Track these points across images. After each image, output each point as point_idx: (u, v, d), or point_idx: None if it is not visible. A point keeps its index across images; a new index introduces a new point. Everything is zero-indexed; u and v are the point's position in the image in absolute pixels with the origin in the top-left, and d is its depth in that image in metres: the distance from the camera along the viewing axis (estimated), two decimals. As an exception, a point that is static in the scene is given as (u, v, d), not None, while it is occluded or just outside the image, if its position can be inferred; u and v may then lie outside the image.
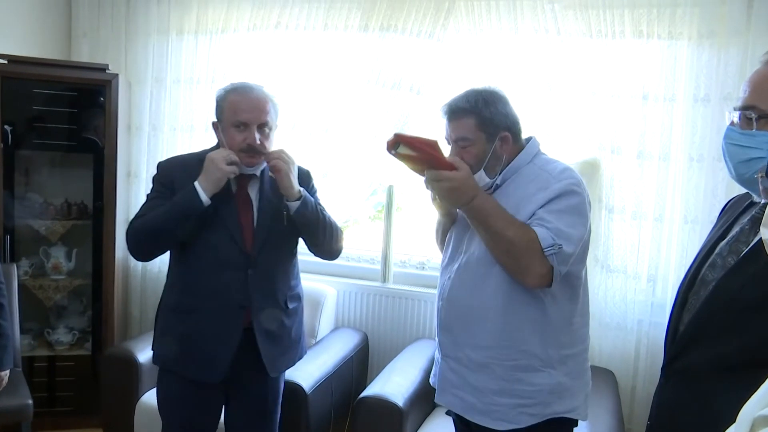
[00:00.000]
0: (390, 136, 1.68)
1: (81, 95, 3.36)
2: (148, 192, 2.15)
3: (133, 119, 3.54)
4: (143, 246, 2.09)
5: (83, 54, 3.64)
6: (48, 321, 3.45)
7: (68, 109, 3.36)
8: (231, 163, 1.99)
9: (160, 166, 2.17)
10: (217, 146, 2.11)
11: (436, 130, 3.06)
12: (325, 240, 2.16)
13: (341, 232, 2.25)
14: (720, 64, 2.66)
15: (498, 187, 1.78)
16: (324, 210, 2.18)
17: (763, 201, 1.29)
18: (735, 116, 1.28)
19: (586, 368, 1.83)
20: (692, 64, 2.72)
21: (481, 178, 1.76)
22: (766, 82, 1.25)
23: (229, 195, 2.07)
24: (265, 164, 2.10)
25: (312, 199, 2.13)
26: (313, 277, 3.38)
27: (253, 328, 2.08)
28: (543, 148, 1.86)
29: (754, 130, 1.25)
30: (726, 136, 1.29)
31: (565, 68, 2.86)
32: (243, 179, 2.11)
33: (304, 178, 2.22)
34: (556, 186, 1.69)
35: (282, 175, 2.01)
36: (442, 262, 1.93)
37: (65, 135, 3.39)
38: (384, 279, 3.38)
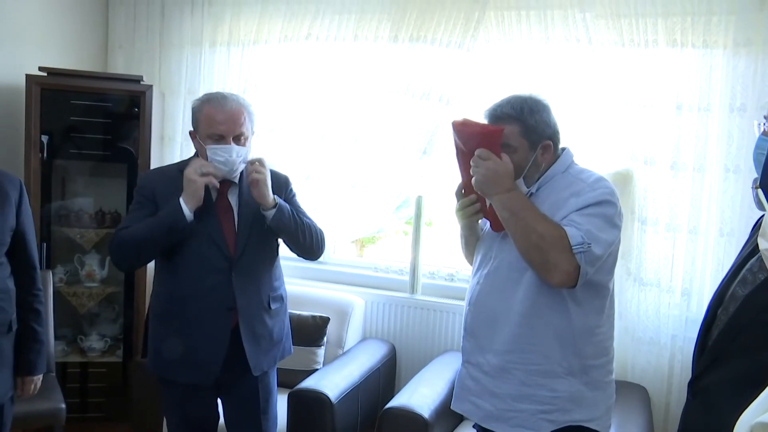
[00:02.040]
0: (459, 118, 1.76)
1: (116, 106, 3.43)
2: (132, 204, 2.22)
3: (166, 130, 3.60)
4: (127, 257, 2.17)
5: (119, 66, 3.72)
6: (81, 328, 3.51)
7: (104, 120, 3.44)
8: (205, 174, 2.04)
9: (141, 178, 2.28)
10: (196, 155, 2.19)
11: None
12: (305, 243, 2.21)
13: (322, 234, 2.29)
14: (757, 73, 2.59)
15: (532, 195, 1.78)
16: (303, 214, 2.25)
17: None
18: (766, 125, 1.25)
19: (609, 381, 1.80)
20: (728, 73, 2.66)
21: (520, 185, 1.76)
22: None
23: (209, 202, 2.11)
24: (242, 167, 2.15)
25: (287, 206, 2.17)
26: (341, 288, 3.39)
27: (238, 329, 2.12)
28: (576, 159, 1.85)
29: None
30: (757, 146, 1.25)
31: (596, 78, 2.82)
32: (223, 186, 2.16)
33: (282, 183, 2.28)
34: (590, 194, 1.69)
35: (258, 186, 2.07)
36: (473, 268, 1.93)
37: (100, 145, 3.46)
38: (412, 290, 3.36)
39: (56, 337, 3.19)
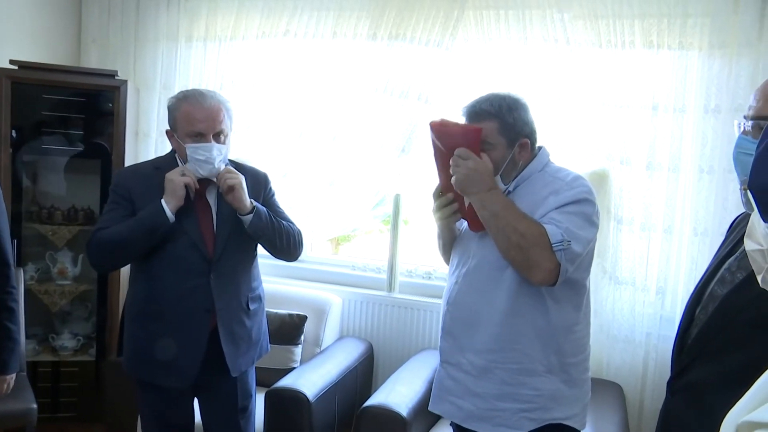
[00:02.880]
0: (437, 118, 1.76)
1: (90, 101, 3.37)
2: (108, 202, 2.17)
3: (141, 125, 3.54)
4: (107, 259, 2.14)
5: (92, 60, 3.66)
6: (53, 326, 3.44)
7: (77, 115, 3.38)
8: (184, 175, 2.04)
9: (116, 176, 2.22)
10: (172, 153, 2.16)
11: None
12: (282, 246, 2.20)
13: (300, 236, 2.28)
14: (731, 75, 2.63)
15: (509, 193, 1.78)
16: (282, 215, 2.25)
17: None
18: (747, 125, 1.26)
19: (586, 378, 1.82)
20: (703, 74, 2.69)
21: (497, 183, 1.76)
22: None
23: (188, 203, 2.08)
24: (222, 166, 2.12)
25: (264, 209, 2.15)
26: (319, 286, 3.37)
27: (217, 330, 2.10)
28: (552, 158, 1.86)
29: None
30: (737, 145, 1.27)
31: (574, 78, 2.84)
32: (201, 185, 2.13)
33: (261, 181, 2.27)
34: (569, 193, 1.70)
35: (234, 191, 2.05)
36: (450, 267, 1.93)
37: (73, 140, 3.40)
38: (390, 288, 3.35)
39: (27, 336, 3.13)
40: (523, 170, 1.79)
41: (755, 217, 0.75)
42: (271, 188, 2.31)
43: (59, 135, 3.36)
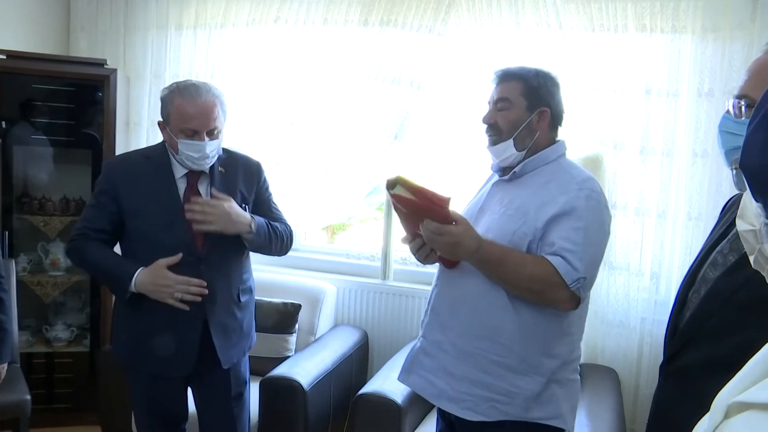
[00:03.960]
0: (392, 175, 1.63)
1: (79, 90, 3.34)
2: (94, 193, 2.14)
3: (132, 115, 3.52)
4: (83, 270, 2.25)
5: (81, 49, 3.62)
6: (46, 317, 3.43)
7: (66, 105, 3.35)
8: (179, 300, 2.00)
9: (104, 167, 2.17)
10: (164, 143, 2.12)
11: (437, 124, 3.06)
12: (276, 250, 2.22)
13: (292, 235, 2.28)
14: (724, 59, 2.62)
15: (515, 175, 1.75)
16: (274, 213, 2.24)
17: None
18: (731, 104, 1.25)
19: (576, 379, 1.76)
20: (696, 58, 2.68)
21: (509, 147, 1.73)
22: (764, 69, 1.22)
23: (176, 197, 2.06)
24: (214, 160, 2.09)
25: (262, 222, 2.13)
26: (313, 275, 3.36)
27: (207, 322, 2.08)
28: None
29: (744, 118, 1.21)
30: (720, 124, 1.26)
31: (566, 63, 2.82)
32: (193, 177, 2.10)
33: (254, 170, 2.24)
34: (580, 195, 1.64)
35: (227, 226, 2.01)
36: None
37: (64, 130, 3.37)
38: (384, 276, 3.35)
39: (20, 328, 3.11)
40: (536, 153, 1.74)
41: (747, 196, 0.74)
42: (265, 179, 2.27)
43: (49, 125, 3.33)
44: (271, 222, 2.19)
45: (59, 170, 3.43)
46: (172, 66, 3.45)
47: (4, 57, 3.07)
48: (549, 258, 1.59)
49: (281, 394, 2.56)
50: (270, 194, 2.29)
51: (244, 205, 2.14)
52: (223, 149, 2.18)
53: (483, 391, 1.67)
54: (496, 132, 1.74)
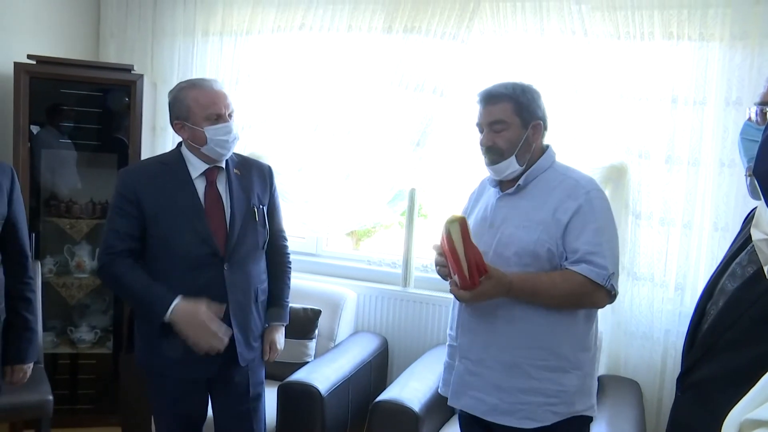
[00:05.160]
0: (458, 214, 1.71)
1: (107, 95, 3.39)
2: (113, 206, 2.12)
3: (158, 119, 3.57)
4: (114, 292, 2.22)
5: (111, 55, 3.68)
6: (71, 319, 3.47)
7: (94, 109, 3.40)
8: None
9: (121, 176, 2.15)
10: (178, 148, 2.15)
11: (459, 131, 3.05)
12: None
13: (290, 262, 2.39)
14: (753, 67, 2.57)
15: (520, 187, 1.83)
16: (278, 224, 2.31)
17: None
18: (753, 111, 1.23)
19: (596, 369, 1.90)
20: (724, 66, 2.63)
21: (511, 164, 1.81)
22: None
23: (194, 196, 2.08)
24: (230, 154, 2.15)
25: (286, 309, 2.31)
26: (334, 281, 3.37)
27: (229, 322, 2.09)
28: (570, 152, 1.94)
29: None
30: (742, 131, 1.24)
31: (592, 70, 2.80)
32: (211, 173, 2.13)
33: (267, 174, 2.28)
34: (589, 198, 1.75)
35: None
36: None
37: (91, 135, 3.43)
38: (405, 283, 3.34)
39: (46, 329, 3.16)
40: (533, 165, 1.83)
41: (762, 206, 0.72)
42: (274, 184, 2.31)
43: (77, 129, 3.39)
44: (285, 287, 2.32)
45: (86, 174, 3.48)
46: (198, 72, 3.48)
47: (35, 63, 3.13)
48: (574, 268, 1.70)
49: (299, 400, 2.56)
50: (278, 201, 2.33)
51: (261, 207, 2.19)
52: (235, 154, 2.21)
53: (535, 397, 1.75)
54: (497, 153, 1.83)
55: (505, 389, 1.77)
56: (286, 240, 2.37)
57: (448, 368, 1.93)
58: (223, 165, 2.15)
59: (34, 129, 3.21)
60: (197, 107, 2.06)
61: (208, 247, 2.06)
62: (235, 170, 2.16)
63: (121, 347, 3.32)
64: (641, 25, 2.72)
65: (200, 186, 2.11)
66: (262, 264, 2.26)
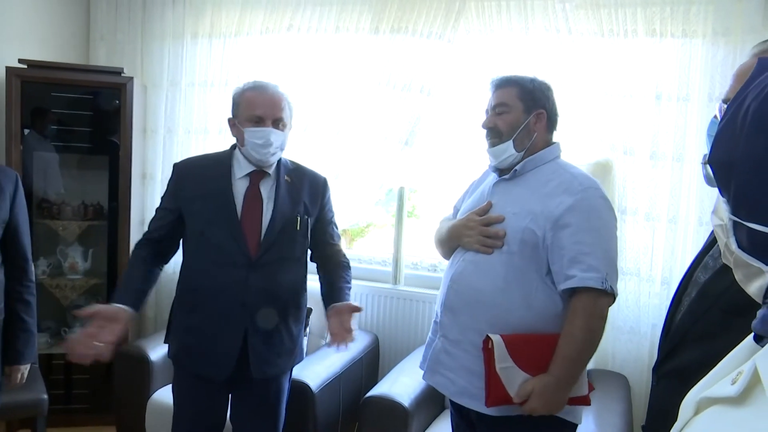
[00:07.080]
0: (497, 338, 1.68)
1: (97, 98, 3.42)
2: (163, 194, 2.20)
3: (149, 122, 3.58)
4: None
5: (101, 58, 3.70)
6: (65, 320, 3.50)
7: (85, 112, 3.43)
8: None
9: (173, 169, 2.19)
10: (233, 146, 2.17)
11: (447, 130, 3.07)
12: None
13: (350, 269, 2.31)
14: (735, 62, 2.59)
15: (516, 174, 1.82)
16: (332, 233, 2.28)
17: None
18: (717, 108, 1.26)
19: (584, 373, 1.79)
20: (707, 62, 2.67)
21: (508, 148, 1.80)
22: (748, 73, 1.21)
23: (228, 194, 2.08)
24: (278, 155, 2.12)
25: (348, 292, 2.20)
26: (325, 279, 3.39)
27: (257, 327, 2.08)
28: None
29: None
30: (708, 128, 1.27)
31: (576, 68, 2.83)
32: (256, 176, 2.12)
33: (321, 186, 2.24)
34: (585, 196, 1.71)
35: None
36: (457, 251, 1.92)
37: (82, 137, 3.45)
38: (395, 281, 3.37)
39: (40, 330, 3.16)
40: (534, 153, 1.82)
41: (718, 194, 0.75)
42: (329, 198, 2.28)
43: (68, 132, 3.42)
44: (345, 282, 2.23)
45: (77, 176, 3.51)
46: (187, 74, 3.51)
47: (26, 66, 3.16)
48: (565, 286, 1.67)
49: (290, 397, 2.57)
50: (332, 215, 2.29)
51: (306, 217, 2.15)
52: (291, 162, 2.22)
53: None
54: (496, 135, 1.82)
55: (476, 373, 1.73)
56: (341, 248, 2.30)
57: (429, 344, 1.92)
58: (271, 171, 2.13)
59: (26, 132, 3.24)
60: (245, 107, 2.07)
61: (237, 246, 2.04)
62: (286, 177, 2.14)
63: (115, 347, 3.33)
64: (625, 22, 2.75)
65: (242, 185, 2.10)
66: (298, 276, 2.20)
